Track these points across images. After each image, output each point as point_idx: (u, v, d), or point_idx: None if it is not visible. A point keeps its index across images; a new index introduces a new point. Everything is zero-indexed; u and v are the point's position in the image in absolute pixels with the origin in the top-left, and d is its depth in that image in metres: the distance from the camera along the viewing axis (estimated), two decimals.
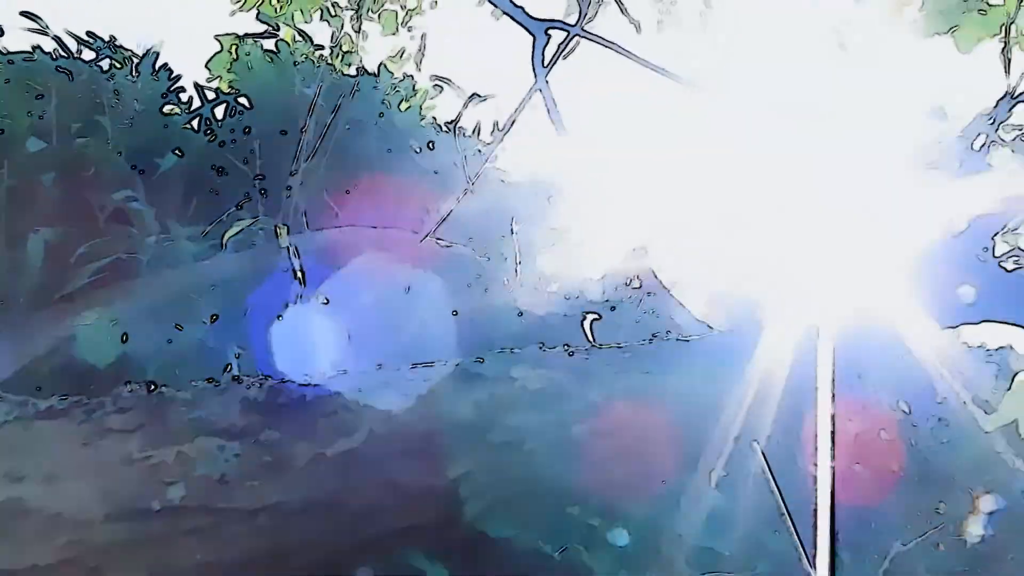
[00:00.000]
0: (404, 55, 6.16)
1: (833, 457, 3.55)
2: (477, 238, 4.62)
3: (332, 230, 4.56)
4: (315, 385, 4.17)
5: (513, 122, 3.82)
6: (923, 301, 4.72)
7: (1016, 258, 4.54)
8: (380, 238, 4.40)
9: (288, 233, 3.92)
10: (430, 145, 4.85)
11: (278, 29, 5.43)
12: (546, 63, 3.63)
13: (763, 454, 3.01)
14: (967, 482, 5.00)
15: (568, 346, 4.51)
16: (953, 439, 4.97)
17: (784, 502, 3.89)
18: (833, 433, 3.57)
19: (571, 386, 4.38)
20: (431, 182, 4.60)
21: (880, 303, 4.66)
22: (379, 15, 6.10)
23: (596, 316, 5.18)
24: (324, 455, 4.01)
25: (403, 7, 6.06)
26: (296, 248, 3.81)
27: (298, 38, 5.82)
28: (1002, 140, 3.61)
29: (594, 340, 5.08)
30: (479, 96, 5.43)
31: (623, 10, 4.26)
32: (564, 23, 3.65)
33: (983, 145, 3.69)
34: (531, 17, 3.56)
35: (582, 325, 5.12)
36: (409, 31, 6.21)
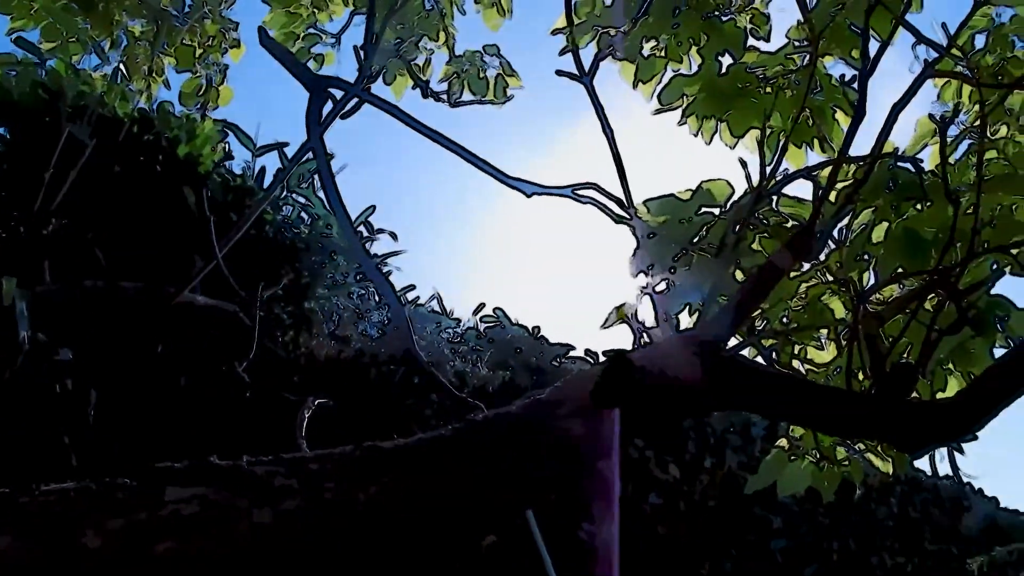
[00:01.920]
0: (200, 93, 5.96)
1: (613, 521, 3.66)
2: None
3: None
4: None
5: (287, 175, 3.77)
6: None
7: None
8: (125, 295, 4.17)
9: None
10: (206, 193, 4.69)
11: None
12: (322, 121, 3.64)
13: (532, 520, 3.03)
14: (730, 545, 5.35)
15: None
16: (720, 502, 5.34)
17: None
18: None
19: None
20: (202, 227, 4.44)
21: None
22: (175, 49, 5.87)
23: None
24: None
25: (200, 43, 5.87)
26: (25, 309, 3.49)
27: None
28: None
29: None
30: (267, 146, 5.37)
31: (416, 79, 4.37)
32: (344, 81, 3.67)
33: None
34: (310, 72, 3.56)
35: None
36: (207, 70, 6.02)
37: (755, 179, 3.71)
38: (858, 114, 3.19)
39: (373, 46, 4.24)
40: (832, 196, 3.57)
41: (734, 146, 4.67)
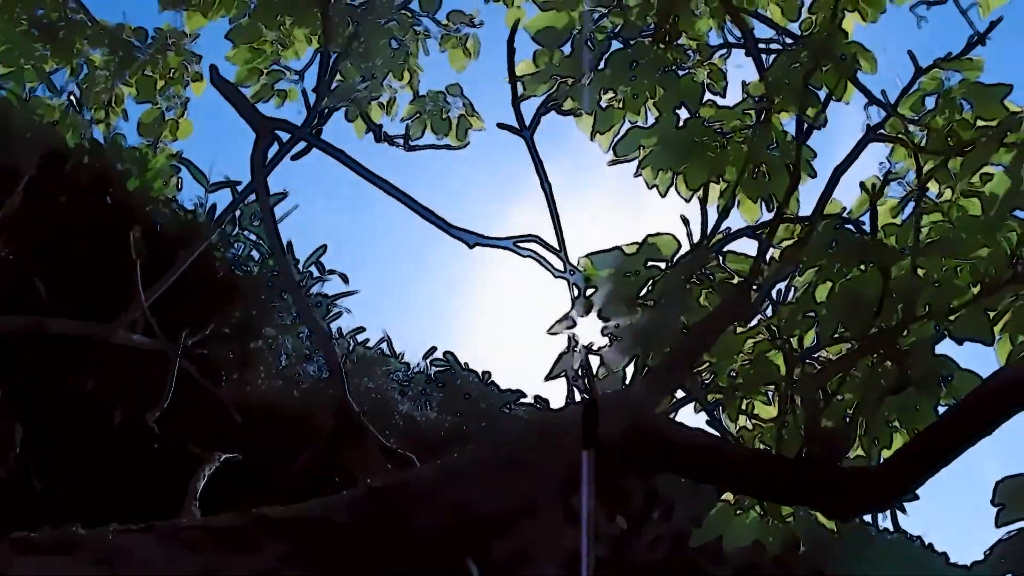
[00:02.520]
0: (160, 125, 5.94)
1: None
2: None
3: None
4: None
5: (228, 216, 3.76)
6: None
7: None
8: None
9: None
10: (157, 227, 4.65)
11: None
12: (267, 163, 3.63)
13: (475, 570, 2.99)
14: None
15: None
16: (667, 555, 5.31)
17: None
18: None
19: None
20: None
21: None
22: (135, 80, 5.85)
23: None
24: None
25: (161, 75, 5.85)
26: None
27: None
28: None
29: None
30: (218, 183, 5.35)
31: (368, 122, 4.38)
32: (290, 124, 3.67)
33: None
34: (257, 113, 3.55)
35: None
36: (167, 102, 6.00)
37: (709, 232, 3.74)
38: (794, 177, 3.22)
39: (325, 87, 4.25)
40: (778, 255, 3.60)
41: (690, 199, 4.71)
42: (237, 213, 5.17)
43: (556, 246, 3.52)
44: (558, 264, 3.27)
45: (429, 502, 1.83)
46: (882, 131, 3.63)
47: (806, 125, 3.46)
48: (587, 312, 3.34)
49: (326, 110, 4.28)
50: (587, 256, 3.36)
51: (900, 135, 4.46)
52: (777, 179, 4.68)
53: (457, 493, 1.90)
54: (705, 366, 4.32)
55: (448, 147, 4.37)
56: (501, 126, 3.33)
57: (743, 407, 4.30)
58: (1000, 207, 3.25)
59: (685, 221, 3.38)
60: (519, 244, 3.36)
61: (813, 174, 4.67)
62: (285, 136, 4.45)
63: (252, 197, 4.55)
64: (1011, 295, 3.39)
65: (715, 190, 4.71)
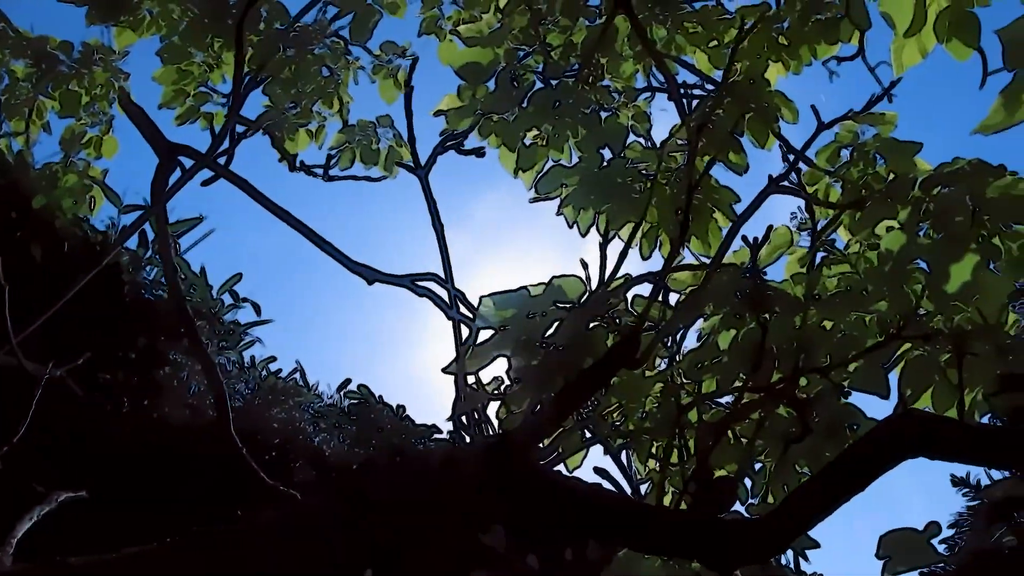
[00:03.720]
0: (83, 141, 5.84)
1: None
2: None
3: None
4: None
5: (124, 240, 3.70)
6: None
7: None
8: None
9: None
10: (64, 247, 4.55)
11: None
12: (168, 189, 3.58)
13: None
14: None
15: None
16: None
17: None
18: None
19: None
20: None
21: None
22: (59, 94, 5.76)
23: None
24: None
25: (87, 91, 5.77)
26: None
27: None
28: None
29: None
30: (132, 205, 5.28)
31: (282, 152, 4.35)
32: (194, 151, 3.63)
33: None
34: (162, 137, 3.50)
35: None
36: (92, 118, 5.92)
37: (611, 275, 3.76)
38: (683, 227, 3.27)
39: (235, 113, 4.22)
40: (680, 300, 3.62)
41: (610, 240, 4.74)
42: (150, 236, 5.13)
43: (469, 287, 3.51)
44: (447, 309, 3.25)
45: (260, 552, 1.78)
46: (786, 182, 3.70)
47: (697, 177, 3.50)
48: (485, 353, 3.33)
49: (237, 137, 4.24)
50: (489, 296, 3.35)
51: (814, 184, 4.58)
52: (702, 222, 4.77)
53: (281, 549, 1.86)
54: (615, 408, 4.34)
55: (368, 179, 4.34)
56: (399, 164, 3.32)
57: (652, 450, 4.32)
58: (895, 262, 3.31)
59: (584, 265, 3.39)
60: (416, 283, 3.35)
61: (733, 217, 4.76)
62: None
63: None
64: (907, 348, 3.45)
65: (636, 231, 4.77)
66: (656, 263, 4.87)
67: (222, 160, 3.83)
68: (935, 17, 4.39)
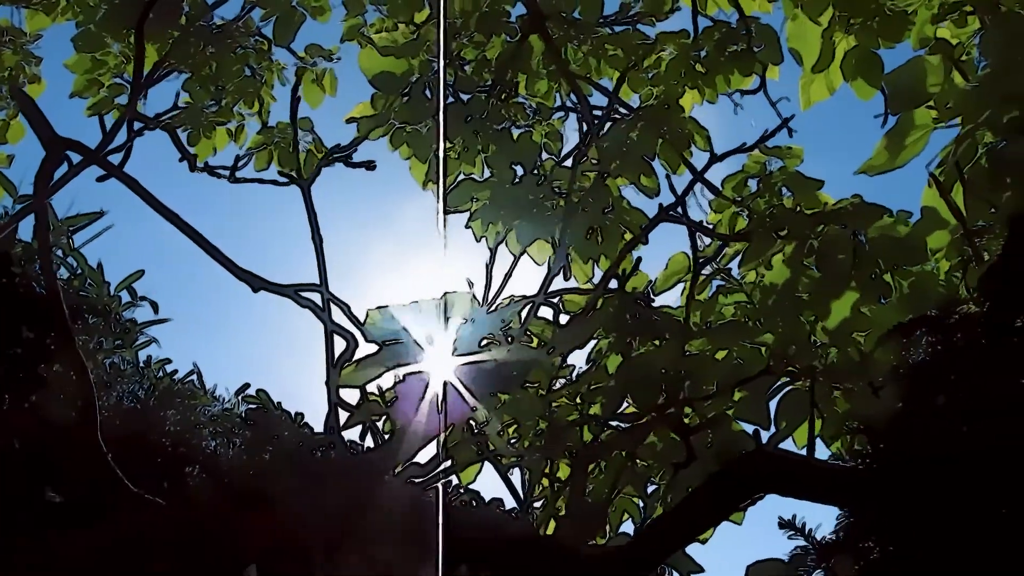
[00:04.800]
0: None
1: None
2: None
3: None
4: None
5: (5, 232, 3.63)
6: None
7: None
8: None
9: None
10: None
11: None
12: (52, 183, 3.52)
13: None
14: None
15: None
16: None
17: None
18: None
19: None
20: None
21: None
22: None
23: None
24: None
25: None
26: None
27: None
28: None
29: None
30: (27, 195, 5.12)
31: (182, 150, 4.29)
32: (83, 146, 3.56)
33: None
34: (50, 130, 3.43)
35: None
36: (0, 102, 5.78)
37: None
38: (559, 257, 3.32)
39: (133, 109, 4.15)
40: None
41: (519, 255, 4.77)
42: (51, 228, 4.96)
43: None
44: (327, 322, 3.24)
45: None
46: (674, 211, 3.76)
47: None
48: (374, 365, 3.33)
49: (135, 133, 4.16)
50: (377, 309, 3.35)
51: (721, 211, 4.66)
52: (611, 242, 4.82)
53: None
54: (513, 426, 4.36)
55: (275, 182, 4.30)
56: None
57: (548, 470, 4.35)
58: (778, 296, 3.40)
59: (470, 283, 3.42)
60: (300, 293, 3.33)
61: (645, 241, 4.83)
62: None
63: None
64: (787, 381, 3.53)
65: (538, 247, 4.81)
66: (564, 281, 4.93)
67: (120, 155, 3.78)
68: (842, 56, 4.54)
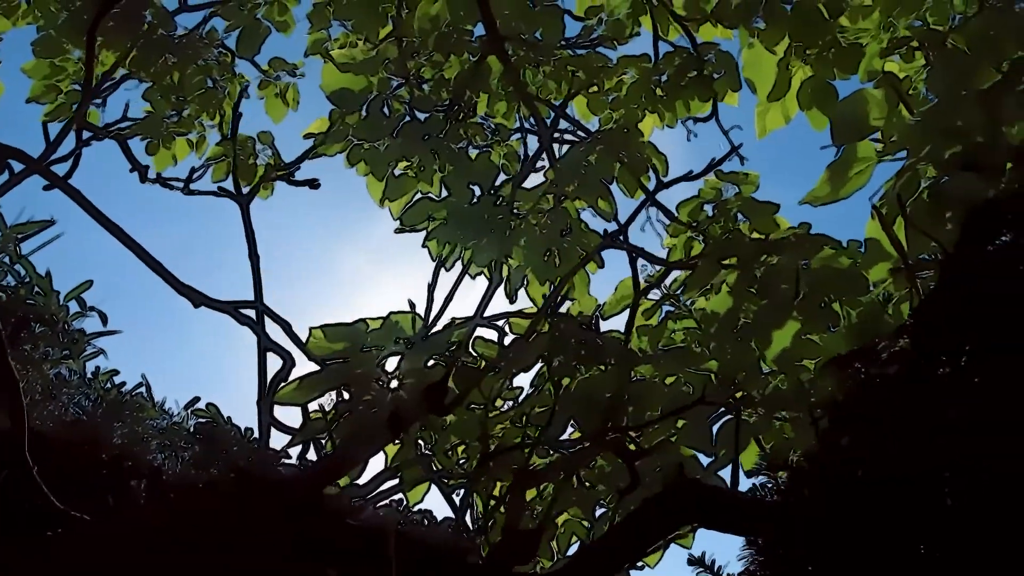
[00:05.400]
0: None
1: None
2: None
3: None
4: None
5: None
6: None
7: None
8: None
9: None
10: None
11: None
12: None
13: None
14: None
15: None
16: None
17: None
18: None
19: None
20: None
21: None
22: None
23: None
24: None
25: None
26: None
27: None
28: None
29: None
30: None
31: (133, 162, 4.27)
32: (26, 155, 3.55)
33: None
34: None
35: None
36: None
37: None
38: (492, 284, 3.35)
39: (81, 118, 4.14)
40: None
41: (476, 276, 4.79)
42: None
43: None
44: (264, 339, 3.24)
45: None
46: (620, 238, 3.80)
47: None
48: (314, 384, 3.32)
49: (82, 143, 4.14)
50: (320, 328, 3.35)
51: (676, 236, 4.70)
52: (569, 263, 4.84)
53: None
54: (460, 445, 4.37)
55: (230, 195, 4.28)
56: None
57: (492, 492, 4.35)
58: (720, 324, 3.43)
59: (412, 305, 3.42)
60: (240, 310, 3.32)
61: (601, 263, 4.86)
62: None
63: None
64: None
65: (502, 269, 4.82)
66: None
67: (67, 164, 3.75)
68: (798, 85, 4.62)
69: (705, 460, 3.90)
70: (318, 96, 4.89)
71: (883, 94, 3.45)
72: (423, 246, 4.71)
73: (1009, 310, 2.70)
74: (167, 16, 5.49)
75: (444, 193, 4.74)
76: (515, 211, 4.88)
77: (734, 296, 3.44)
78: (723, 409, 3.65)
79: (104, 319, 4.76)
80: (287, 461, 4.47)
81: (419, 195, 4.70)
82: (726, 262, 3.46)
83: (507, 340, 3.72)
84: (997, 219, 3.01)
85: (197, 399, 4.79)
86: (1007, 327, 2.66)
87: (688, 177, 3.93)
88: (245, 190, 5.23)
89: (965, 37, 3.66)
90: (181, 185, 4.18)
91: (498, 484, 4.26)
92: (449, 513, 4.14)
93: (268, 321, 3.50)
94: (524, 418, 3.99)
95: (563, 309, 4.04)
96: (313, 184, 4.10)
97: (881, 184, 3.59)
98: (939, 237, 3.37)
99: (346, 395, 3.47)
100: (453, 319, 3.62)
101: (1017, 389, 2.32)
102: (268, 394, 3.16)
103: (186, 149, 5.74)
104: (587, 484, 4.11)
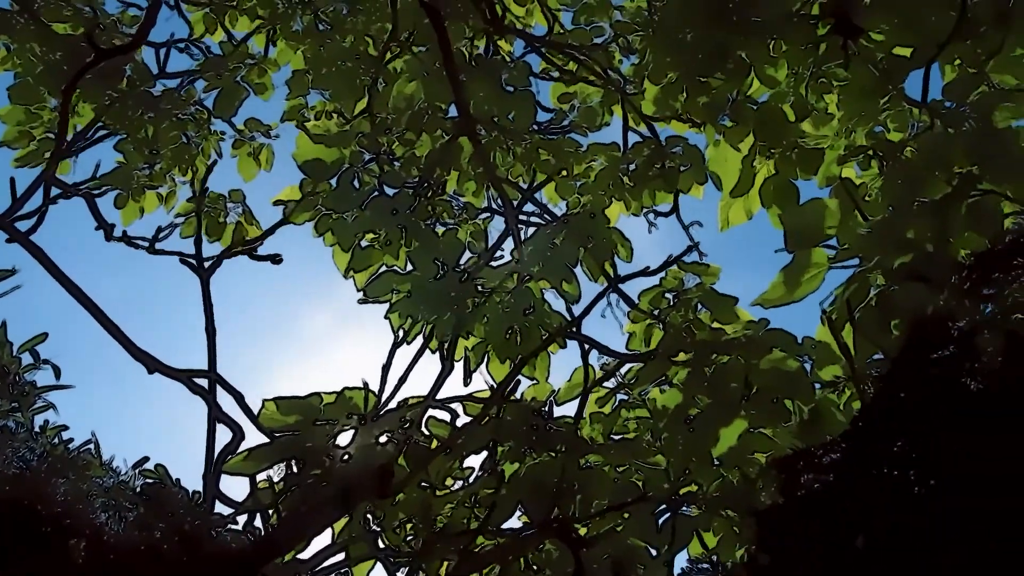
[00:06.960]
0: None
1: None
2: None
3: None
4: None
5: None
6: None
7: None
8: None
9: None
10: None
11: None
12: None
13: None
14: None
15: None
16: None
17: None
18: None
19: None
20: None
21: None
22: None
23: None
24: None
25: None
26: None
27: None
28: None
29: None
30: None
31: (100, 220, 4.34)
32: None
33: None
34: None
35: None
36: None
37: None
38: (443, 370, 3.46)
39: (50, 175, 4.23)
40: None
41: (436, 351, 4.87)
42: None
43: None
44: (217, 409, 3.30)
45: None
46: (573, 329, 3.93)
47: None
48: (264, 456, 3.38)
49: (50, 200, 4.22)
50: (274, 400, 3.42)
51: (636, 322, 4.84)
52: (531, 343, 4.95)
53: None
54: (408, 523, 4.40)
55: (192, 267, 4.32)
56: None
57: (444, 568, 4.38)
58: (669, 420, 3.54)
59: (365, 384, 3.51)
60: (193, 379, 3.39)
61: (563, 344, 4.97)
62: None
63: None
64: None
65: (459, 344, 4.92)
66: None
67: (32, 220, 3.83)
68: (761, 182, 4.83)
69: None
70: (290, 159, 5.03)
71: (837, 203, 3.63)
72: (385, 318, 4.81)
73: (944, 422, 2.85)
74: (146, 72, 5.64)
75: (409, 267, 4.85)
76: (479, 287, 5.01)
77: (685, 392, 3.56)
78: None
79: (57, 372, 4.77)
80: (233, 527, 4.48)
81: (384, 268, 4.82)
82: (677, 359, 3.58)
83: (459, 422, 3.80)
84: (941, 330, 3.18)
85: (146, 459, 4.78)
86: (940, 440, 2.81)
87: (646, 272, 4.08)
88: (214, 246, 5.35)
89: (918, 149, 3.88)
90: (147, 244, 4.23)
91: (444, 564, 4.30)
92: None
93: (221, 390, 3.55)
94: (473, 498, 4.05)
95: (519, 391, 4.11)
96: (275, 259, 4.20)
97: (832, 289, 3.77)
98: (885, 344, 3.53)
99: (295, 468, 3.52)
100: (407, 399, 3.70)
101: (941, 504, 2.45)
102: (216, 466, 3.21)
103: (155, 202, 5.84)
104: (534, 568, 4.17)
